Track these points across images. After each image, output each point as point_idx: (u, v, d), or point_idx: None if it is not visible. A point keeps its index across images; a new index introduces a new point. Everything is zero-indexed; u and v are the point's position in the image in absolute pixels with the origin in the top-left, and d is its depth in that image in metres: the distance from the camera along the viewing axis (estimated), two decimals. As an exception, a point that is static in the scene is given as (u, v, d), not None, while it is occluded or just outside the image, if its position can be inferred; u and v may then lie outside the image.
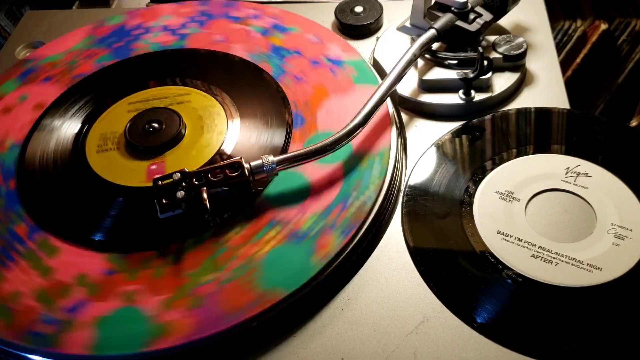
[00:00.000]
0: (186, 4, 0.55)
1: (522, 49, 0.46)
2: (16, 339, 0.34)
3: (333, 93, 0.45)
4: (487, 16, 0.46)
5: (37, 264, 0.38)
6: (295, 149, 0.39)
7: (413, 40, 0.46)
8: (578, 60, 0.63)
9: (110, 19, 0.55)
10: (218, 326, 0.34)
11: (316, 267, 0.35)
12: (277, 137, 0.43)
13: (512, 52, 0.46)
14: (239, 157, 0.38)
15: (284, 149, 0.42)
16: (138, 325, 0.34)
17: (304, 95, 0.46)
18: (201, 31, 0.52)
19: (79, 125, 0.45)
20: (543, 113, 0.45)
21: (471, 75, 0.44)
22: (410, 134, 0.45)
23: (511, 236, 0.38)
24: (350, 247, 0.37)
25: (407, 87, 0.46)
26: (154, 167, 0.41)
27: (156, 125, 0.43)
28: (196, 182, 0.37)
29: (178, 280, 0.36)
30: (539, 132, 0.43)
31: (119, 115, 0.45)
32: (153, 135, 0.43)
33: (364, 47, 0.52)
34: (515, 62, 0.46)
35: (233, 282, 0.35)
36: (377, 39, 0.52)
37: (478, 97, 0.45)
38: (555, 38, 0.62)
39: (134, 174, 0.41)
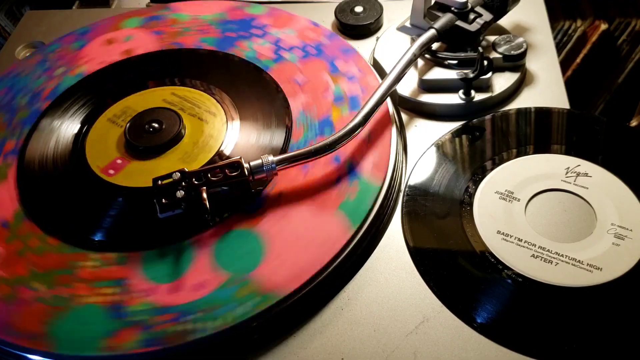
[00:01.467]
0: (317, 29, 0.51)
1: (522, 49, 0.46)
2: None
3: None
4: (487, 16, 0.46)
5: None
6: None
7: (413, 40, 0.46)
8: (578, 60, 0.63)
9: (253, 6, 0.54)
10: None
11: (97, 352, 0.33)
12: (276, 137, 0.43)
13: (512, 52, 0.46)
14: (239, 157, 0.38)
15: (284, 149, 0.42)
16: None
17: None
18: (296, 64, 0.48)
19: (78, 125, 0.45)
20: (543, 113, 0.45)
21: (471, 75, 0.44)
22: (410, 134, 0.45)
23: (511, 236, 0.38)
24: (351, 247, 0.37)
25: (407, 87, 0.46)
26: (119, 161, 0.41)
27: (156, 125, 0.43)
28: (196, 182, 0.37)
29: (23, 268, 0.37)
30: (539, 132, 0.43)
31: (154, 99, 0.46)
32: (153, 136, 0.43)
33: (364, 47, 0.52)
34: (515, 62, 0.46)
35: (43, 305, 0.35)
36: (377, 39, 0.52)
37: (478, 97, 0.45)
38: (555, 38, 0.62)
39: (147, 174, 0.41)
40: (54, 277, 0.37)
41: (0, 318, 0.35)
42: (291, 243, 0.37)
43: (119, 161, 0.42)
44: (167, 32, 0.52)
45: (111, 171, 0.41)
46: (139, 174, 0.41)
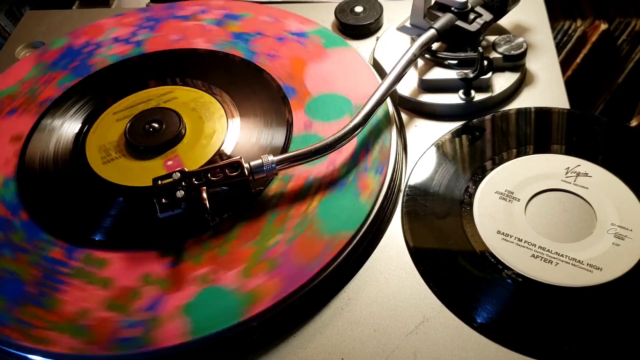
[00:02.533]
0: (127, 15, 0.55)
1: (522, 49, 0.46)
2: (105, 350, 0.33)
3: (310, 61, 0.48)
4: (487, 16, 0.46)
5: (91, 279, 0.37)
6: (297, 123, 0.42)
7: (413, 40, 0.46)
8: (578, 60, 0.63)
9: (52, 43, 0.54)
10: (302, 278, 0.35)
11: (368, 204, 0.38)
12: (277, 137, 0.43)
13: (512, 52, 0.46)
14: (239, 157, 0.38)
15: (284, 148, 0.42)
16: (227, 300, 0.35)
17: (284, 69, 0.47)
18: (155, 34, 0.52)
19: (79, 125, 0.45)
20: (543, 113, 0.45)
21: (471, 75, 0.44)
22: (410, 134, 0.45)
23: (511, 236, 0.38)
24: (351, 247, 0.37)
25: (407, 87, 0.46)
26: (170, 162, 0.40)
27: (156, 125, 0.43)
28: (196, 182, 0.37)
29: (244, 251, 0.37)
30: (539, 132, 0.43)
31: (109, 125, 0.45)
32: (153, 135, 0.43)
33: (364, 47, 0.52)
34: (515, 62, 0.46)
35: (299, 238, 0.37)
36: (377, 39, 0.52)
37: (478, 97, 0.45)
38: (555, 38, 0.62)
39: (147, 173, 0.41)
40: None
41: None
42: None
43: (169, 162, 0.41)
44: (18, 106, 0.48)
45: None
46: (139, 174, 0.41)
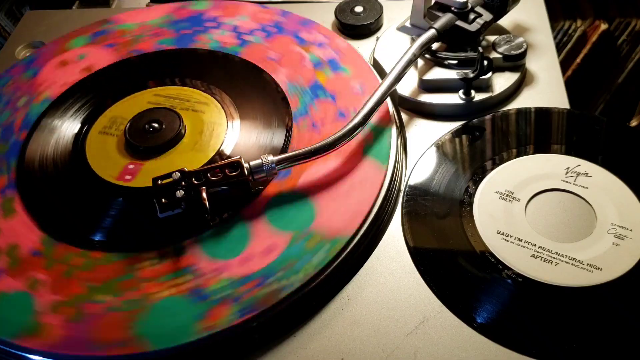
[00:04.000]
0: (268, 11, 0.53)
1: (522, 49, 0.46)
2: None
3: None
4: (487, 16, 0.46)
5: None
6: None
7: (413, 40, 0.46)
8: (578, 60, 0.63)
9: (196, 3, 0.54)
10: (79, 350, 0.33)
11: (194, 336, 0.33)
12: (277, 137, 0.43)
13: (512, 52, 0.46)
14: (239, 157, 0.38)
15: (284, 148, 0.42)
16: (21, 314, 0.35)
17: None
18: (263, 43, 0.50)
19: (78, 125, 0.45)
20: (543, 113, 0.45)
21: (471, 75, 0.44)
22: (410, 134, 0.45)
23: (511, 236, 0.38)
24: (351, 247, 0.37)
25: (407, 87, 0.46)
26: (131, 166, 0.41)
27: (156, 125, 0.43)
28: (195, 182, 0.37)
29: (78, 287, 0.36)
30: (539, 132, 0.43)
31: (138, 103, 0.46)
32: (153, 135, 0.43)
33: (364, 47, 0.52)
34: (515, 62, 0.46)
35: (117, 313, 0.35)
36: (377, 39, 0.52)
37: (478, 97, 0.45)
38: (555, 38, 0.62)
39: (146, 173, 0.41)
40: (117, 285, 0.36)
41: (78, 337, 0.34)
42: (332, 196, 0.39)
43: (131, 166, 0.42)
44: (119, 42, 0.52)
45: (128, 177, 0.41)
46: (139, 174, 0.41)
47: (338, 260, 0.36)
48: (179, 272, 0.36)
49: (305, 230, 0.37)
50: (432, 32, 0.45)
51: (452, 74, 0.46)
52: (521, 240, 0.37)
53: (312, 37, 0.49)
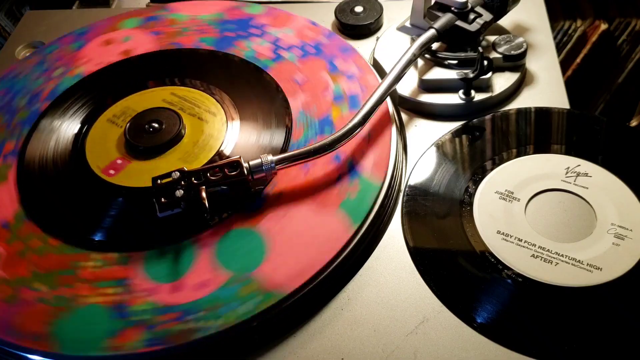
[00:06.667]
0: (315, 29, 0.51)
1: (522, 49, 0.46)
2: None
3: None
4: (487, 16, 0.46)
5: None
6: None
7: (413, 40, 0.46)
8: (578, 60, 0.63)
9: (251, 6, 0.54)
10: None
11: (101, 351, 0.33)
12: (276, 137, 0.43)
13: (512, 52, 0.46)
14: (238, 156, 0.38)
15: (284, 148, 0.42)
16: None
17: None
18: (295, 63, 0.48)
19: (78, 126, 0.45)
20: (543, 113, 0.45)
21: (471, 75, 0.44)
22: (410, 134, 0.45)
23: (511, 236, 0.38)
24: (351, 247, 0.37)
25: (407, 87, 0.46)
26: (119, 162, 0.41)
27: (156, 125, 0.43)
28: (195, 181, 0.37)
29: (25, 269, 0.37)
30: (539, 132, 0.43)
31: (153, 99, 0.46)
32: (153, 135, 0.43)
33: (364, 47, 0.52)
34: (515, 62, 0.46)
35: (45, 306, 0.35)
36: (377, 39, 0.52)
37: (478, 97, 0.45)
38: (555, 38, 0.62)
39: (146, 173, 0.41)
40: (56, 278, 0.36)
41: (2, 318, 0.35)
42: (293, 242, 0.37)
43: (119, 161, 0.42)
44: (165, 32, 0.52)
45: (112, 171, 0.41)
46: (139, 174, 0.41)
47: (338, 260, 0.36)
48: (113, 282, 0.36)
49: (246, 274, 0.35)
50: (432, 32, 0.44)
51: (452, 74, 0.46)
52: (521, 240, 0.37)
53: (345, 67, 0.47)
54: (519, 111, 0.45)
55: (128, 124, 0.44)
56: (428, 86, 0.46)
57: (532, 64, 0.48)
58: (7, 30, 0.68)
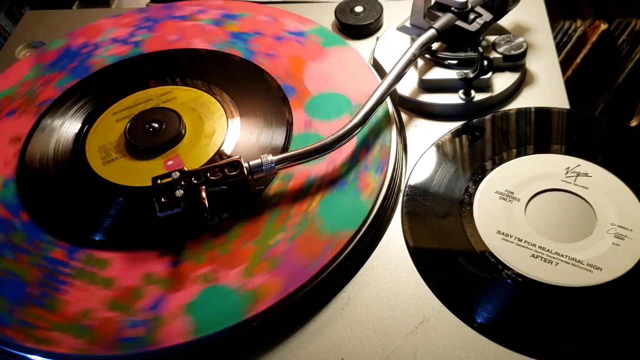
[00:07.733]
0: (125, 15, 0.55)
1: (522, 49, 0.46)
2: (108, 350, 0.33)
3: (309, 60, 0.48)
4: (487, 16, 0.46)
5: (93, 279, 0.37)
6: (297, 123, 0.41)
7: (413, 40, 0.46)
8: (578, 60, 0.63)
9: (50, 44, 0.54)
10: (304, 276, 0.35)
11: (368, 204, 0.38)
12: (277, 137, 0.43)
13: (512, 52, 0.46)
14: (238, 156, 0.38)
15: (284, 148, 0.42)
16: (229, 299, 0.35)
17: (283, 67, 0.47)
18: (153, 35, 0.52)
19: (78, 126, 0.45)
20: (543, 113, 0.45)
21: (471, 75, 0.44)
22: (410, 134, 0.45)
23: (511, 236, 0.38)
24: (351, 246, 0.37)
25: (407, 87, 0.46)
26: (170, 162, 0.39)
27: (156, 125, 0.43)
28: (195, 181, 0.37)
29: (245, 250, 0.37)
30: (539, 132, 0.43)
31: (108, 125, 0.45)
32: (153, 135, 0.43)
33: (364, 47, 0.52)
34: (515, 62, 0.46)
35: (300, 237, 0.37)
36: (377, 39, 0.52)
37: (478, 97, 0.45)
38: (555, 38, 0.62)
39: (146, 173, 0.41)
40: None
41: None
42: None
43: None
44: (18, 105, 0.49)
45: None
46: (139, 174, 0.41)
47: (338, 260, 0.36)
48: (306, 186, 0.39)
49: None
50: (432, 32, 0.44)
51: (452, 74, 0.46)
52: (521, 240, 0.37)
53: (187, 11, 0.53)
54: (519, 111, 0.45)
55: (128, 124, 0.44)
56: (428, 86, 0.46)
57: (532, 64, 0.48)
58: (7, 30, 0.68)
